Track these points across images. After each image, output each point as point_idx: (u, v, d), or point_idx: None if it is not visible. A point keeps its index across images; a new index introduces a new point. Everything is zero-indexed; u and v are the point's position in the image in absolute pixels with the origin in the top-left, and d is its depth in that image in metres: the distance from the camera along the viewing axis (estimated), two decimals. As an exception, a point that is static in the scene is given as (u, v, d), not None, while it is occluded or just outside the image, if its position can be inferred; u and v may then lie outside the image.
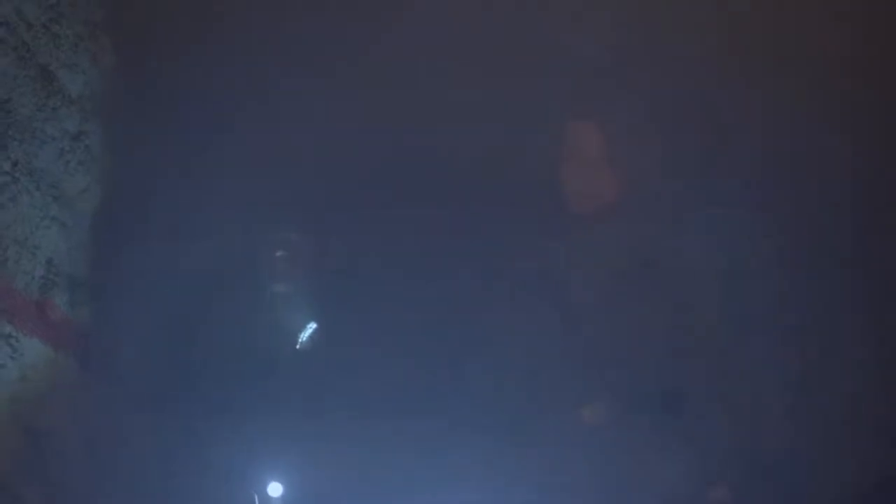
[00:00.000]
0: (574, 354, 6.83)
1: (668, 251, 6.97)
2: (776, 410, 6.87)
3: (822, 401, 6.86)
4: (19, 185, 5.57)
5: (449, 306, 6.98)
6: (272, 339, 6.85)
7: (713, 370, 6.86)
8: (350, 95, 6.91)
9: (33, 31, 5.69)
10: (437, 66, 7.00)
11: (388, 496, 6.68)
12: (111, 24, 6.39)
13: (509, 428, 6.73)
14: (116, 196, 6.51)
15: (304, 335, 6.82)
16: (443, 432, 6.67)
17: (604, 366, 6.71)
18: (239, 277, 6.98)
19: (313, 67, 6.93)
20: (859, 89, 6.91)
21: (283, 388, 6.71)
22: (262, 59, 6.93)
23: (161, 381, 6.52)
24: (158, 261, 6.66)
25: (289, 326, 6.88)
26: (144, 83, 6.74)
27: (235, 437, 6.56)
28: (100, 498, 6.01)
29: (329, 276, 6.98)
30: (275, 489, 6.57)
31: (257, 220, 6.93)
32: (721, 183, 7.06)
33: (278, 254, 6.86)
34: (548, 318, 6.94)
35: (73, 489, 5.91)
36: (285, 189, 6.94)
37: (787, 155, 7.15)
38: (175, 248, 6.72)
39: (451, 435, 6.70)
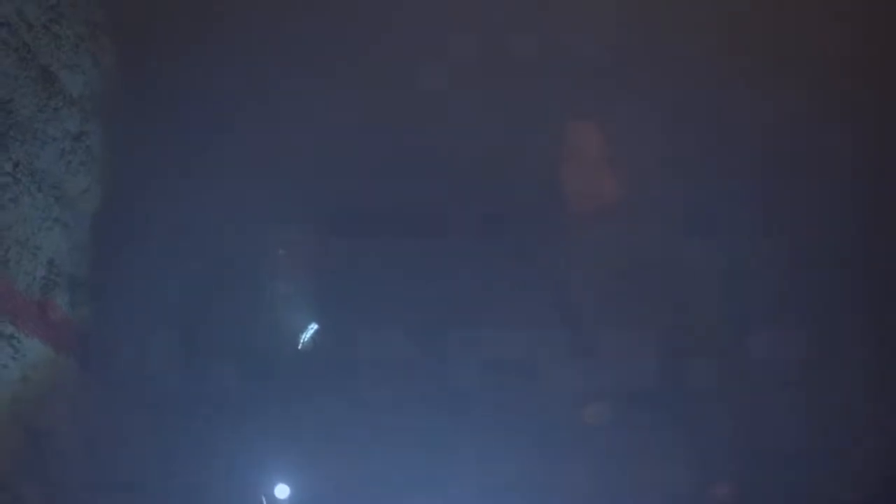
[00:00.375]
0: (574, 354, 6.81)
1: (668, 251, 6.93)
2: (776, 410, 6.85)
3: (822, 400, 6.84)
4: (21, 185, 5.56)
5: (449, 306, 6.97)
6: (272, 339, 6.83)
7: (713, 370, 6.83)
8: (350, 96, 6.90)
9: (34, 32, 5.67)
10: (438, 67, 6.99)
11: (387, 495, 6.67)
12: (112, 25, 6.38)
13: (510, 427, 6.72)
14: (117, 196, 6.50)
15: (306, 335, 6.80)
16: (443, 431, 6.66)
17: (604, 365, 6.67)
18: (239, 277, 6.98)
19: (313, 68, 6.92)
20: (859, 89, 6.90)
21: (283, 387, 6.70)
22: (262, 59, 6.92)
23: (161, 381, 6.51)
24: (159, 261, 6.66)
25: (289, 326, 6.85)
26: (145, 83, 6.73)
27: (235, 437, 6.55)
28: (100, 497, 6.01)
29: (329, 276, 6.95)
30: (281, 491, 6.55)
31: (258, 220, 6.92)
32: (721, 183, 7.04)
33: (279, 254, 6.83)
34: (548, 318, 6.92)
35: (74, 488, 5.91)
36: (285, 189, 6.94)
37: (787, 155, 7.13)
38: (175, 248, 6.71)
39: (450, 434, 6.69)
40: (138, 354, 6.53)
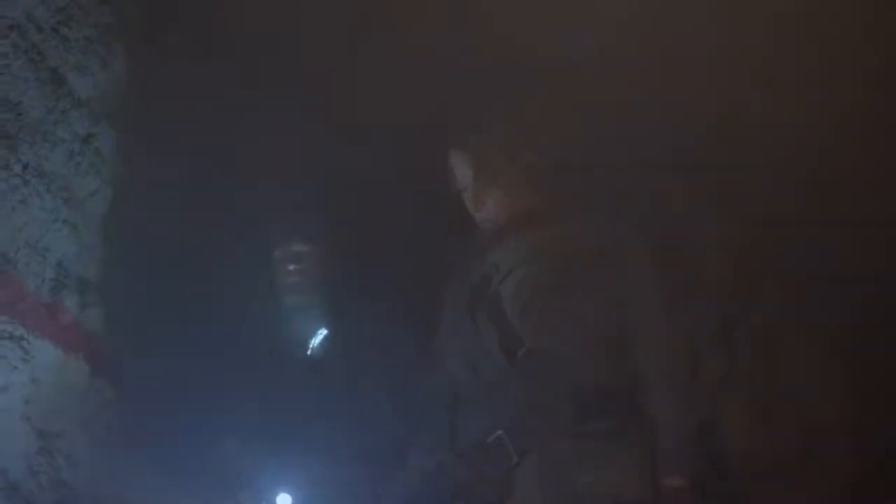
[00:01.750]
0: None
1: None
2: (735, 413, 6.65)
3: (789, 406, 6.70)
4: (30, 187, 5.57)
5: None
6: (283, 345, 6.82)
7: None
8: (356, 98, 6.94)
9: (43, 34, 5.69)
10: (439, 69, 7.02)
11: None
12: (120, 27, 6.38)
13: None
14: (125, 198, 6.50)
15: (315, 341, 6.79)
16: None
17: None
18: (248, 280, 6.99)
19: (323, 70, 6.96)
20: (859, 89, 6.90)
21: (290, 391, 6.69)
22: (271, 62, 6.96)
23: (171, 384, 6.52)
24: (168, 263, 6.67)
25: (299, 332, 6.84)
26: (153, 85, 6.74)
27: (245, 443, 6.55)
28: (110, 500, 6.02)
29: (338, 279, 6.93)
30: (283, 500, 6.50)
31: (267, 223, 6.93)
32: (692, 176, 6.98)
33: (288, 257, 6.82)
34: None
35: (84, 491, 5.92)
36: (295, 192, 6.97)
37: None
38: (184, 250, 6.73)
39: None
40: (148, 356, 6.54)
